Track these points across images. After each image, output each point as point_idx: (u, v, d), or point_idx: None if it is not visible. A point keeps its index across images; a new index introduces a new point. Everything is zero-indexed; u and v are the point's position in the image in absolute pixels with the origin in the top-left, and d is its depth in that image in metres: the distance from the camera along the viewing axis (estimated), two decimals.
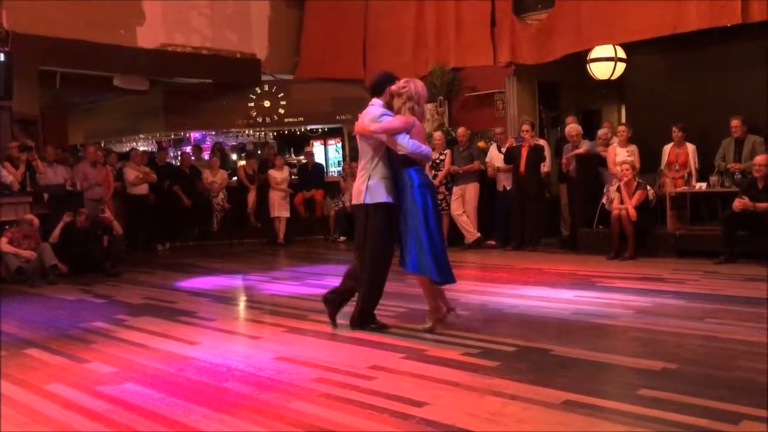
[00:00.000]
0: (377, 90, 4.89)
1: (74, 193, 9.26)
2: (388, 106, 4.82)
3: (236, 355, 4.33)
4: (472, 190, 9.70)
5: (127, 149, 12.44)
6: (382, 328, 4.86)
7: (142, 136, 13.65)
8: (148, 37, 10.93)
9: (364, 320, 4.88)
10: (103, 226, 8.64)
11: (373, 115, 4.76)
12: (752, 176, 7.37)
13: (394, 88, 4.80)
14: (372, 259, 4.76)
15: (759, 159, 7.32)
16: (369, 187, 4.72)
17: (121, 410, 3.37)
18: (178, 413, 3.29)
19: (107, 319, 5.66)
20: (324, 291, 6.67)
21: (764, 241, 7.07)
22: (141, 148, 12.80)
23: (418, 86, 4.81)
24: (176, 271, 8.70)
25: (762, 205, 7.05)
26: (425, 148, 4.75)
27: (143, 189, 10.80)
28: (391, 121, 4.71)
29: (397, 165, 4.74)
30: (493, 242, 9.67)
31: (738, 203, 7.17)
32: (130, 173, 10.66)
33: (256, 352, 4.39)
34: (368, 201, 4.71)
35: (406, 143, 4.62)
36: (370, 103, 4.90)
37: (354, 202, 4.91)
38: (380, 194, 4.71)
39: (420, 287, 4.93)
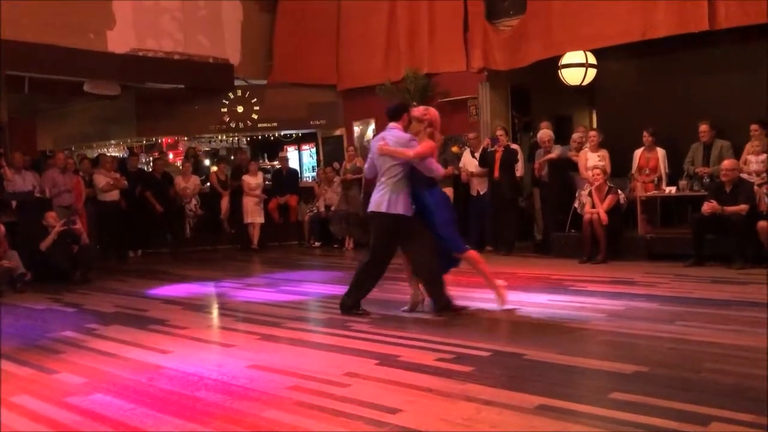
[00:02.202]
0: (396, 116, 5.59)
1: (43, 200, 9.10)
2: (405, 130, 5.50)
3: (209, 363, 4.29)
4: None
5: (97, 155, 12.25)
6: (463, 309, 5.51)
7: (113, 141, 13.48)
8: (118, 41, 10.79)
9: (449, 305, 5.44)
10: (72, 235, 8.50)
11: (403, 139, 5.41)
12: (720, 180, 7.50)
13: (416, 114, 5.54)
14: (424, 262, 5.43)
15: (726, 164, 7.45)
16: (391, 200, 5.36)
17: (90, 422, 3.31)
18: (149, 424, 3.24)
19: (77, 328, 5.56)
20: (301, 297, 6.69)
21: (732, 244, 7.19)
22: (113, 154, 12.66)
23: (436, 114, 5.62)
24: (148, 278, 8.59)
25: (730, 208, 7.17)
26: (442, 170, 5.75)
27: (114, 195, 10.65)
28: (424, 147, 5.36)
29: (420, 183, 5.42)
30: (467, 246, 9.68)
31: (706, 207, 7.28)
32: (101, 179, 10.50)
33: (229, 361, 4.34)
34: (392, 211, 5.35)
35: (436, 167, 5.46)
36: (390, 127, 5.55)
37: (372, 209, 5.46)
38: (403, 207, 5.37)
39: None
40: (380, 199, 5.40)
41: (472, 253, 5.66)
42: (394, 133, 5.48)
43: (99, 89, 11.27)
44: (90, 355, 4.63)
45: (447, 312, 5.40)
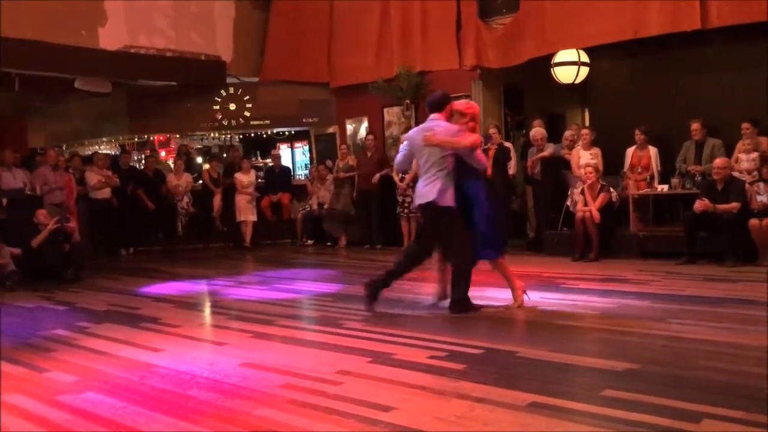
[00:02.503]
0: (439, 107, 5.45)
1: (34, 198, 9.05)
2: (447, 122, 5.40)
3: (201, 361, 4.27)
4: None
5: (89, 153, 12.20)
6: (479, 309, 5.43)
7: (105, 139, 13.40)
8: (110, 38, 10.72)
9: (468, 305, 5.38)
10: (64, 233, 8.45)
11: (453, 130, 5.34)
12: (712, 178, 7.53)
13: (459, 107, 5.45)
14: (461, 251, 5.37)
15: (718, 162, 7.48)
16: (442, 191, 5.32)
17: (81, 420, 3.29)
18: (140, 422, 3.23)
19: (68, 326, 5.53)
20: (293, 295, 6.67)
21: (723, 242, 7.22)
22: (105, 152, 12.60)
23: (478, 108, 5.68)
24: (140, 276, 8.56)
25: (722, 206, 7.20)
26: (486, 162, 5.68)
27: (106, 193, 10.60)
28: (475, 138, 5.38)
29: (467, 174, 5.41)
30: None
31: (698, 205, 7.31)
32: (93, 177, 10.45)
33: (221, 359, 4.33)
34: (444, 204, 5.32)
35: (483, 159, 5.46)
36: (432, 118, 5.43)
37: (425, 201, 5.38)
38: (449, 199, 5.35)
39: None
40: (431, 191, 5.33)
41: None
42: (440, 123, 5.38)
43: (90, 86, 11.20)
44: (81, 354, 4.61)
45: (462, 308, 5.33)
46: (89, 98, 12.13)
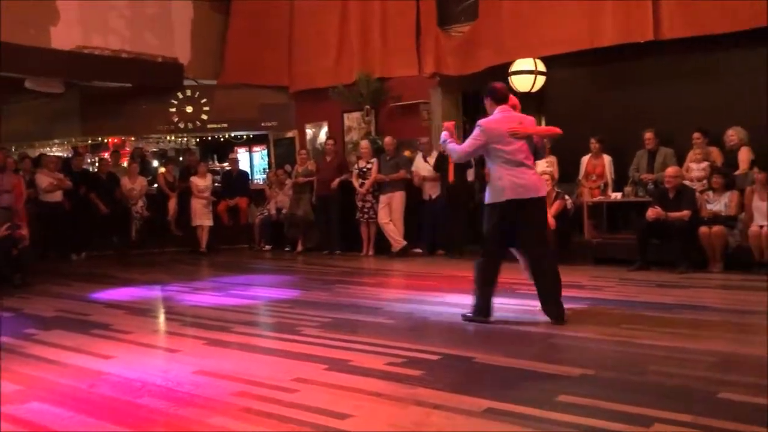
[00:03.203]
0: (506, 98, 5.28)
1: None
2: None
3: (153, 369, 4.18)
4: (398, 198, 9.75)
5: (39, 154, 11.86)
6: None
7: (56, 141, 13.06)
8: (63, 37, 10.47)
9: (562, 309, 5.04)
10: (12, 239, 8.18)
11: (533, 122, 5.31)
12: (664, 187, 7.71)
13: (514, 101, 5.40)
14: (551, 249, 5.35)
15: (670, 171, 7.65)
16: (539, 183, 5.13)
17: (25, 431, 3.18)
18: None
19: (15, 333, 5.34)
20: (250, 301, 6.59)
21: (675, 249, 7.38)
22: (56, 154, 12.28)
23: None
24: (92, 281, 8.35)
25: (673, 214, 7.37)
26: None
27: (57, 196, 10.33)
28: (556, 128, 5.54)
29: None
30: (419, 250, 9.76)
31: (651, 213, 7.47)
32: (43, 180, 10.17)
33: (174, 366, 4.24)
34: (542, 194, 5.12)
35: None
36: (503, 110, 5.20)
37: (529, 195, 5.00)
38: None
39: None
40: (536, 183, 5.09)
41: None
42: (518, 114, 5.25)
43: (42, 86, 10.92)
44: (27, 362, 4.46)
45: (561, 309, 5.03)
46: (40, 98, 11.82)
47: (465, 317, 5.20)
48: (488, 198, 5.19)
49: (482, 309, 5.12)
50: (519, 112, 5.36)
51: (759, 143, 7.89)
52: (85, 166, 11.93)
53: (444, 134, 5.47)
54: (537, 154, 5.25)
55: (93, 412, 3.40)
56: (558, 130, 5.65)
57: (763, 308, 5.46)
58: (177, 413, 3.36)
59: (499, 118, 5.16)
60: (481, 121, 5.19)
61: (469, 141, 5.23)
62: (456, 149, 5.34)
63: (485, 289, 5.15)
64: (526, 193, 5.00)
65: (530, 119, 5.31)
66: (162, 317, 6.30)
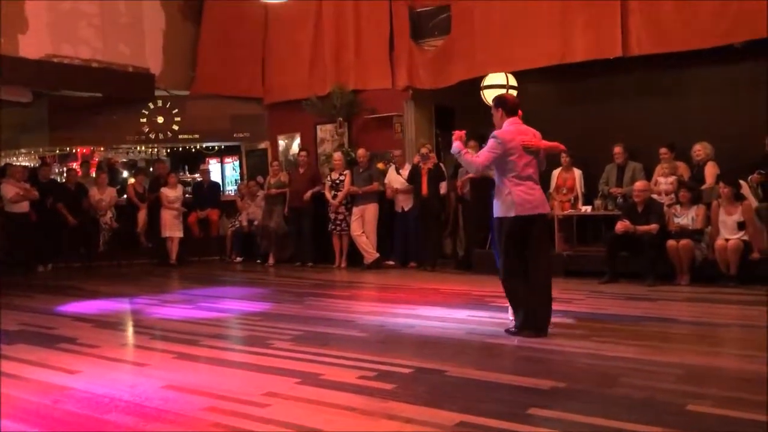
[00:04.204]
0: (516, 110, 5.26)
1: None
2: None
3: (121, 384, 4.10)
4: (371, 210, 9.76)
5: (3, 164, 11.63)
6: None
7: (23, 150, 12.81)
8: (31, 46, 10.30)
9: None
10: None
11: (539, 134, 5.19)
12: (632, 200, 7.82)
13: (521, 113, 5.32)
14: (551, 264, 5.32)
15: (638, 185, 7.77)
16: (544, 199, 5.17)
17: None
18: None
19: None
20: (220, 314, 6.51)
21: (644, 262, 7.48)
22: (23, 164, 12.06)
23: None
24: (58, 294, 8.19)
25: (641, 227, 7.47)
26: None
27: (23, 206, 10.14)
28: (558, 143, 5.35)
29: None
30: (392, 262, 9.76)
31: (620, 226, 7.56)
32: (9, 190, 9.98)
33: (142, 381, 4.17)
34: (547, 211, 5.25)
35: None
36: (514, 122, 5.19)
37: (543, 211, 5.11)
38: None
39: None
40: (541, 199, 5.09)
41: None
42: (529, 128, 5.20)
43: (9, 95, 10.73)
44: None
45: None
46: (7, 107, 11.60)
47: (509, 331, 5.13)
48: (497, 212, 5.14)
49: (529, 321, 5.03)
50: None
51: (724, 158, 8.06)
52: (52, 176, 11.74)
53: (457, 144, 5.25)
54: (541, 167, 5.27)
55: (58, 429, 3.32)
56: (563, 147, 5.59)
57: (730, 321, 5.56)
58: (145, 429, 3.29)
59: (512, 129, 5.13)
60: (497, 132, 5.13)
61: (485, 153, 5.13)
62: (474, 162, 5.19)
63: (523, 303, 5.08)
64: (534, 209, 5.03)
65: (538, 133, 5.22)
66: (130, 331, 6.19)
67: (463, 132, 5.45)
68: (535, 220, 5.04)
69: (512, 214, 5.00)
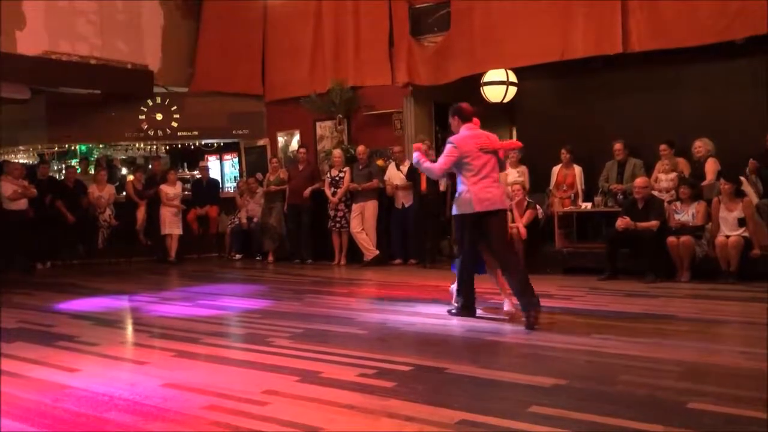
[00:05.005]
0: (471, 117, 5.66)
1: None
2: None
3: (120, 382, 4.09)
4: (371, 207, 9.74)
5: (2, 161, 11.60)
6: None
7: (21, 147, 12.79)
8: (29, 43, 10.29)
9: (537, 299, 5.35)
10: None
11: (496, 137, 5.73)
12: (633, 197, 7.81)
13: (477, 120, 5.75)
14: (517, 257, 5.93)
15: (638, 181, 7.76)
16: (503, 196, 5.64)
17: None
18: None
19: None
20: (219, 312, 6.50)
21: (644, 259, 7.47)
22: (21, 161, 12.04)
23: None
24: (57, 291, 8.17)
25: (642, 224, 7.46)
26: None
27: (22, 204, 10.12)
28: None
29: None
30: (399, 261, 9.72)
31: (620, 223, 7.56)
32: (7, 188, 9.95)
33: (142, 379, 4.15)
34: (506, 207, 5.68)
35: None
36: (470, 127, 5.60)
37: (501, 207, 5.52)
38: None
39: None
40: (500, 196, 5.52)
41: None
42: (484, 132, 5.66)
43: (7, 92, 10.69)
44: None
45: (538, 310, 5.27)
46: (5, 105, 11.57)
47: (450, 312, 5.76)
48: (456, 209, 5.58)
49: (468, 307, 5.69)
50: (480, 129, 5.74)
51: (725, 154, 8.05)
52: (51, 174, 11.71)
53: (416, 155, 5.79)
54: (501, 167, 5.79)
55: (57, 428, 3.31)
56: (518, 144, 6.59)
57: (731, 317, 5.56)
58: (145, 428, 3.28)
59: (468, 134, 5.57)
60: (452, 138, 5.59)
61: (442, 158, 5.58)
62: (433, 168, 5.70)
63: (469, 291, 5.70)
64: (492, 206, 5.43)
65: (494, 136, 5.73)
66: (129, 328, 6.18)
67: (421, 144, 6.19)
68: (493, 216, 5.44)
69: (470, 210, 5.44)
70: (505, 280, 5.59)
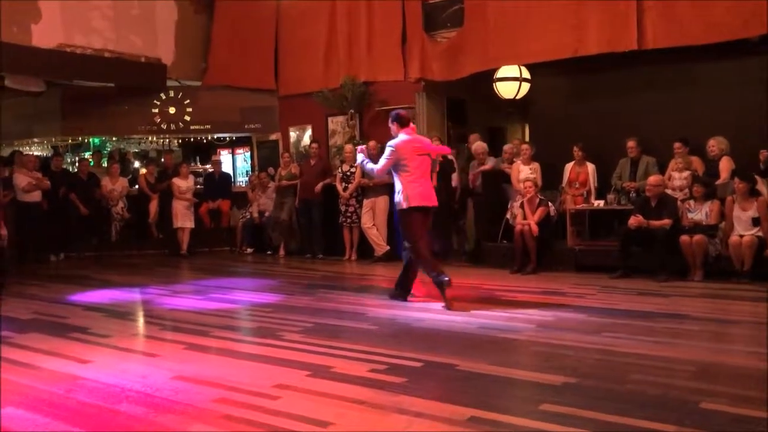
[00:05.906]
0: (408, 123, 6.39)
1: None
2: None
3: (132, 374, 4.11)
4: (382, 203, 9.73)
5: (11, 152, 11.65)
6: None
7: (36, 140, 12.89)
8: (44, 36, 10.33)
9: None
10: None
11: (429, 141, 6.75)
12: (646, 195, 7.76)
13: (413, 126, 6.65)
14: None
15: (652, 179, 7.71)
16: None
17: None
18: None
19: None
20: (230, 305, 6.53)
21: (656, 257, 7.43)
22: (35, 153, 12.13)
23: None
24: (70, 283, 8.23)
25: (655, 222, 7.41)
26: None
27: (36, 196, 10.19)
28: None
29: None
30: None
31: (633, 221, 7.51)
32: (22, 179, 10.03)
33: (153, 371, 4.18)
34: (435, 204, 6.27)
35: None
36: (408, 132, 6.29)
37: (431, 204, 6.20)
38: None
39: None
40: (431, 194, 6.21)
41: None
42: (420, 136, 6.58)
43: (22, 85, 10.77)
44: (2, 366, 4.36)
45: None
46: (20, 97, 11.66)
47: (391, 295, 6.48)
48: (399, 205, 6.20)
49: (406, 288, 6.45)
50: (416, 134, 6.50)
51: (740, 153, 7.97)
52: (65, 166, 11.79)
53: (360, 156, 6.57)
54: (433, 168, 6.48)
55: (69, 419, 3.33)
56: (448, 150, 7.88)
57: (743, 317, 5.51)
58: (156, 420, 3.30)
59: (406, 139, 6.24)
60: (391, 143, 6.24)
61: (382, 161, 6.28)
62: (373, 169, 6.40)
63: (409, 276, 6.45)
64: (427, 201, 6.16)
65: (428, 140, 6.71)
66: (141, 321, 6.22)
67: (365, 147, 7.32)
68: (428, 210, 6.21)
69: (409, 205, 6.10)
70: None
